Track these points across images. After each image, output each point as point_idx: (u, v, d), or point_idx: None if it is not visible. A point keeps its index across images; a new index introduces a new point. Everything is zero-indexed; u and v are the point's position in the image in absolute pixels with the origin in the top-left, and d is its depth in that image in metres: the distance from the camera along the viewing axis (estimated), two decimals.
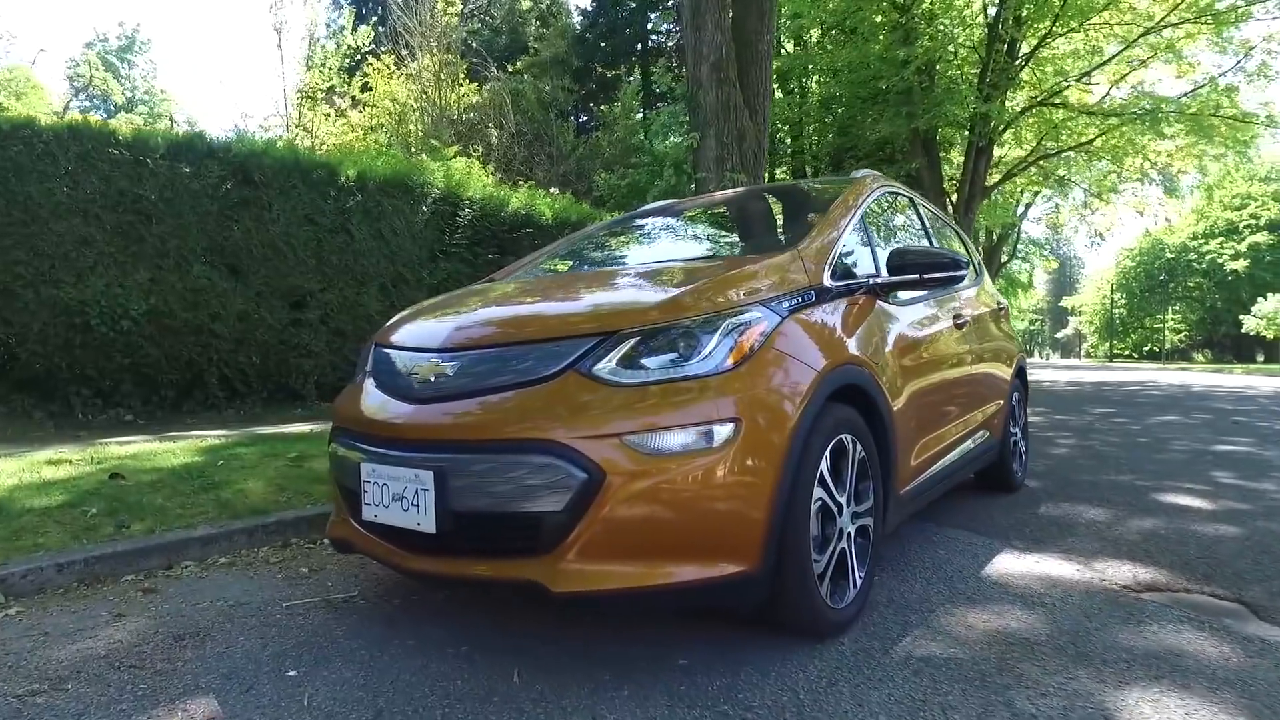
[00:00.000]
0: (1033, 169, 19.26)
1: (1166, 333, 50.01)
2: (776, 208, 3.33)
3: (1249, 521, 3.57)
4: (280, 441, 5.00)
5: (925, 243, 3.56)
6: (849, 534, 2.26)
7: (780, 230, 3.07)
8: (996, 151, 18.29)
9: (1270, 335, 41.80)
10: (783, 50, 22.11)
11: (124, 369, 6.41)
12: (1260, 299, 42.88)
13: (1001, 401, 4.03)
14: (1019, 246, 34.61)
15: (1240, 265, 44.75)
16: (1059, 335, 77.99)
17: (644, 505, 1.83)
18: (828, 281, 2.41)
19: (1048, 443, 6.50)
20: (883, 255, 2.81)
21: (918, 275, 2.70)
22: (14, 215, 5.79)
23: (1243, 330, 44.70)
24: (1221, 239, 45.99)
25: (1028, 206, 30.44)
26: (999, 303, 4.32)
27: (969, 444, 3.51)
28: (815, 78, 20.80)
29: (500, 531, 1.94)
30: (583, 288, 2.49)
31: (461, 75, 16.36)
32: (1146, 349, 52.85)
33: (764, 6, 8.89)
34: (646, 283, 2.32)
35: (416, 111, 14.77)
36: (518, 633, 2.26)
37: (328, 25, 19.31)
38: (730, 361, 1.95)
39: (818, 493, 2.08)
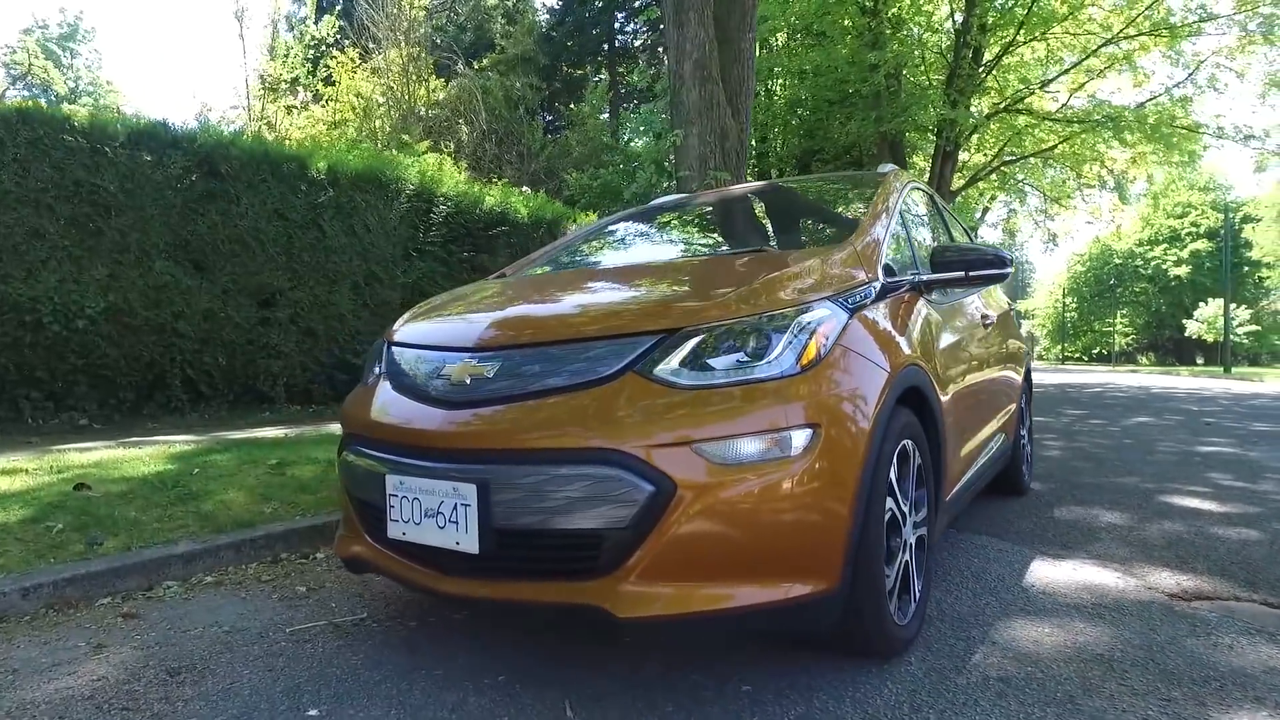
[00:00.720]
0: (994, 175, 19.58)
1: (1115, 336, 51.57)
2: (805, 202, 3.19)
3: (1266, 525, 3.54)
4: (255, 447, 4.69)
5: (947, 238, 3.46)
6: (911, 545, 2.12)
7: (825, 224, 2.93)
8: (961, 156, 18.55)
9: (1210, 339, 43.38)
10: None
11: (79, 370, 6.00)
12: (1201, 304, 44.51)
13: (1015, 403, 3.95)
14: None
15: (1182, 271, 46.37)
16: None
17: (719, 520, 1.66)
18: (883, 277, 2.27)
19: (1036, 445, 6.49)
20: (920, 252, 2.69)
21: (963, 273, 2.58)
22: None
23: (1185, 334, 46.33)
24: (1165, 246, 47.61)
25: (985, 211, 31.06)
26: (1009, 305, 4.26)
27: (993, 447, 3.42)
28: (781, 81, 20.87)
29: (553, 550, 1.75)
30: (634, 281, 2.30)
31: (428, 70, 15.97)
32: (1096, 351, 54.44)
33: (746, 5, 8.79)
34: (704, 275, 2.14)
35: (383, 107, 14.36)
36: (557, 658, 2.06)
37: (288, 18, 18.69)
38: (801, 362, 1.79)
39: (888, 503, 1.93)
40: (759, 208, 3.29)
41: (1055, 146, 17.42)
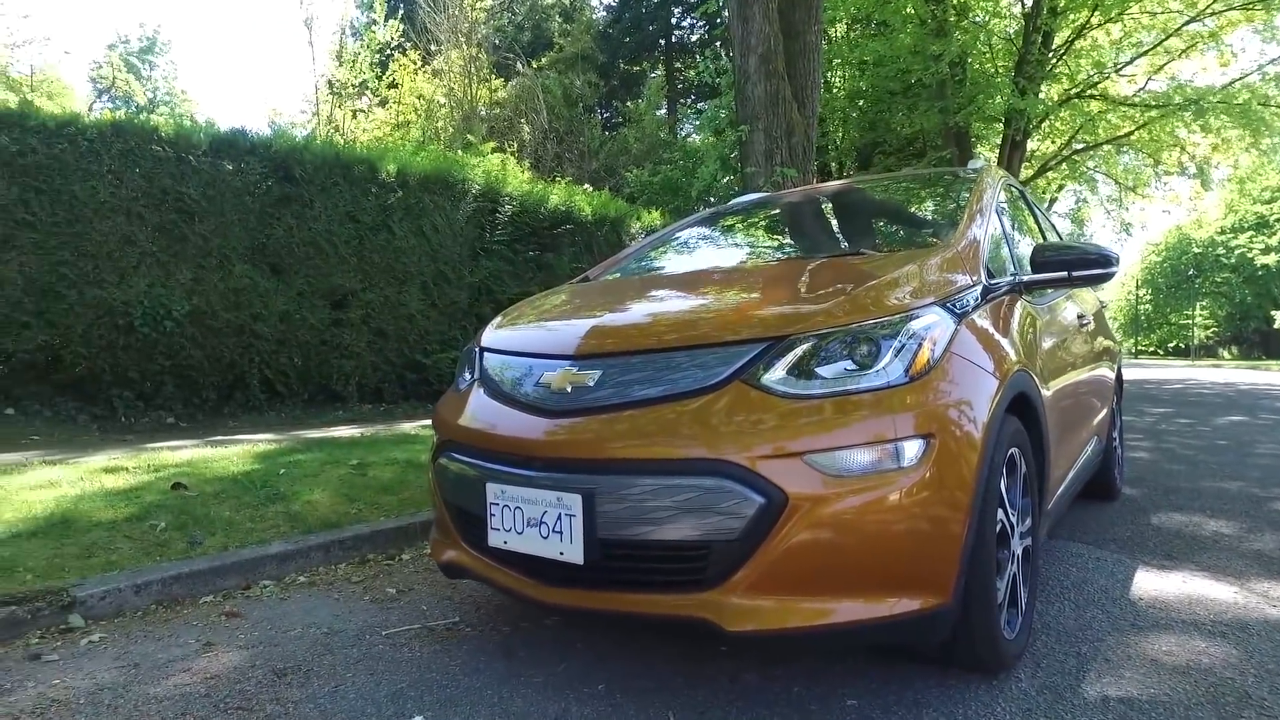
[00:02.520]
0: (1064, 163, 18.86)
1: (1194, 329, 49.22)
2: (893, 202, 3.10)
3: None
4: (335, 447, 4.82)
5: (1040, 235, 3.32)
6: (1018, 556, 2.03)
7: (923, 225, 2.84)
8: (1030, 145, 17.92)
9: None
10: None
11: (166, 371, 6.25)
12: None
13: (1109, 404, 3.79)
14: None
15: (1271, 260, 43.94)
16: None
17: (831, 533, 1.61)
18: (986, 280, 2.18)
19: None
20: (1020, 251, 2.58)
21: (1066, 273, 2.46)
22: (59, 214, 5.65)
23: (1274, 326, 43.92)
24: (1251, 233, 45.17)
25: (1052, 201, 29.98)
26: (1099, 302, 4.08)
27: (1089, 449, 3.28)
28: (841, 72, 20.48)
29: (659, 562, 1.73)
30: (735, 285, 2.26)
31: (488, 70, 16.17)
32: (1172, 345, 52.07)
33: None
34: (804, 281, 2.09)
35: (445, 107, 14.60)
36: (655, 666, 2.05)
37: (352, 24, 19.17)
38: (911, 370, 1.73)
39: (1000, 514, 1.86)
40: (847, 208, 3.21)
41: (1131, 133, 16.67)
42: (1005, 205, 3.05)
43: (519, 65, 15.95)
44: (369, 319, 7.39)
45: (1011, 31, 16.20)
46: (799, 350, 1.75)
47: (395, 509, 3.58)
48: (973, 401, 1.77)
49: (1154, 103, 16.40)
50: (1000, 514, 1.88)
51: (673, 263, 2.93)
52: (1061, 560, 3.00)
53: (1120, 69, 16.58)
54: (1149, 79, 17.27)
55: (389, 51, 13.84)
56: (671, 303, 2.22)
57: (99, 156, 5.78)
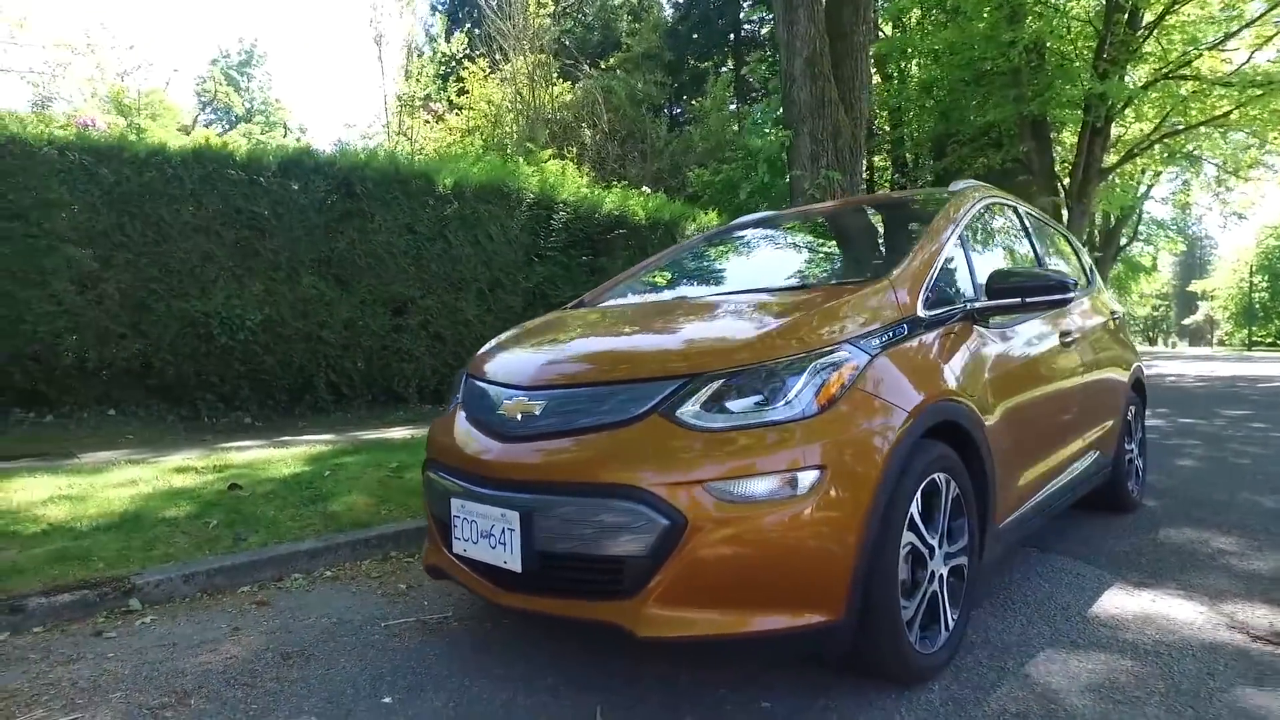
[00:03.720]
0: (1156, 147, 17.85)
1: None
2: (873, 225, 3.21)
3: None
4: (381, 450, 5.23)
5: (1032, 257, 3.35)
6: (941, 576, 2.16)
7: (876, 252, 2.96)
8: (1114, 130, 17.06)
9: None
10: (880, 34, 21.37)
11: (242, 375, 6.86)
12: None
13: (1114, 419, 3.76)
14: (1140, 228, 32.22)
15: None
16: (1186, 321, 72.15)
17: (726, 553, 1.81)
18: (921, 311, 2.31)
19: (1171, 452, 6.04)
20: (982, 277, 2.67)
21: (1020, 299, 2.55)
22: (148, 235, 6.29)
23: None
24: None
25: (1150, 186, 28.30)
26: (1113, 311, 4.04)
27: (1078, 466, 3.31)
28: (915, 61, 19.97)
29: (585, 573, 1.97)
30: (668, 322, 2.47)
31: (555, 75, 16.59)
32: None
33: None
34: (732, 318, 2.28)
35: (512, 113, 15.10)
36: (604, 666, 2.28)
37: (426, 30, 19.98)
38: (816, 405, 1.90)
39: (907, 537, 2.00)
40: (824, 234, 3.33)
41: (1229, 113, 15.63)
42: (987, 227, 3.13)
43: (584, 68, 16.27)
44: (427, 324, 7.85)
45: (1091, 12, 15.44)
46: (712, 387, 1.94)
47: (420, 510, 3.92)
48: (873, 435, 1.92)
49: (1256, 80, 15.33)
50: (912, 537, 2.02)
51: (651, 292, 3.13)
52: (1040, 574, 3.06)
53: (1219, 44, 15.55)
54: (1255, 51, 16.15)
55: (453, 63, 14.42)
56: (614, 339, 2.44)
57: (181, 181, 6.40)
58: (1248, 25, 14.98)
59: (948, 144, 18.60)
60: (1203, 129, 17.01)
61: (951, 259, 2.62)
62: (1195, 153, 19.37)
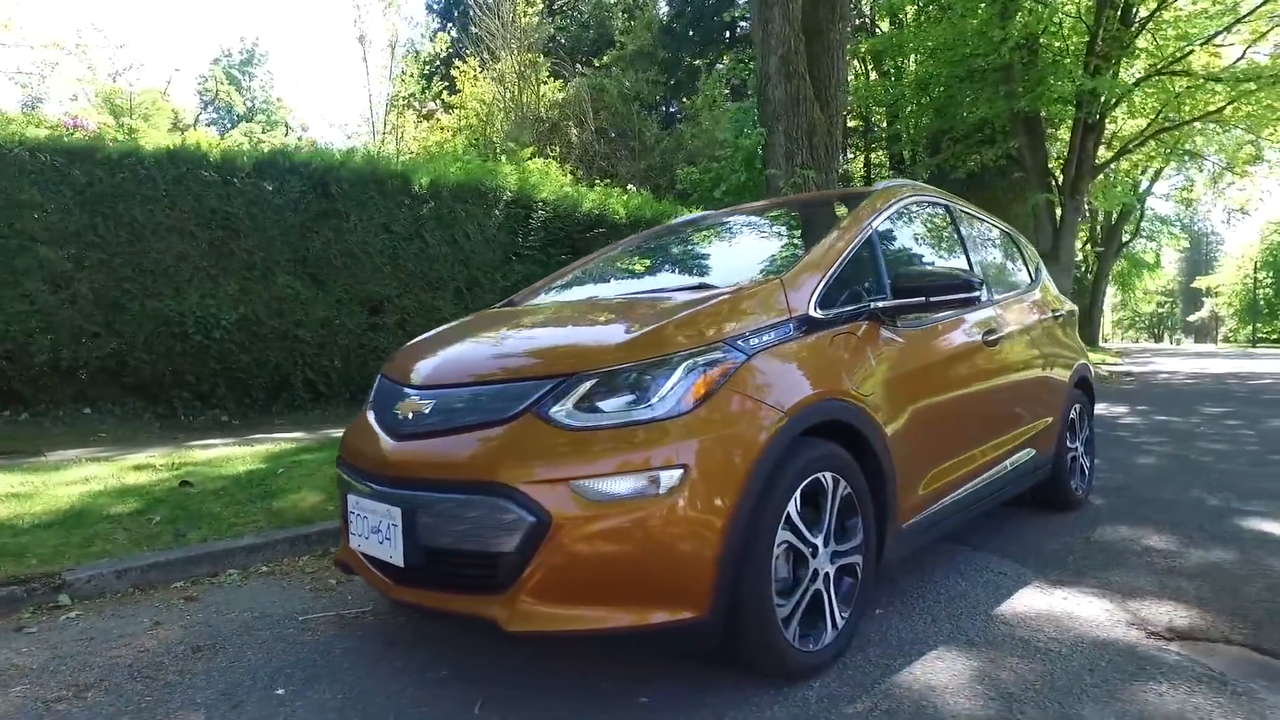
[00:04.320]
0: (1152, 143, 17.76)
1: None
2: (794, 225, 3.23)
3: None
4: None
5: (962, 256, 3.37)
6: (826, 574, 2.19)
7: (786, 252, 2.98)
8: (1110, 126, 16.98)
9: None
10: (878, 30, 21.32)
11: (218, 374, 6.93)
12: None
13: (1053, 417, 3.78)
14: (1144, 225, 32.06)
15: None
16: (1191, 318, 71.60)
17: (590, 550, 1.85)
18: (814, 311, 2.33)
19: (1136, 450, 6.04)
20: (893, 276, 2.69)
21: (924, 298, 2.58)
22: (121, 236, 6.36)
23: None
24: None
25: (1152, 182, 28.14)
26: (1055, 310, 4.04)
27: (1007, 465, 3.32)
28: (913, 58, 19.93)
29: (462, 568, 2.01)
30: (565, 322, 2.51)
31: (545, 74, 16.63)
32: None
33: None
34: (622, 319, 2.31)
35: (501, 112, 15.15)
36: (501, 661, 2.32)
37: (420, 33, 20.06)
38: (686, 404, 1.93)
39: (783, 536, 2.03)
40: (746, 234, 3.35)
41: (1222, 109, 15.54)
42: (909, 226, 3.15)
43: (574, 67, 16.29)
44: (404, 323, 7.90)
45: (1083, 8, 15.36)
46: (584, 386, 1.98)
47: None
48: (742, 433, 1.95)
49: (1250, 75, 15.23)
50: (789, 536, 2.05)
51: (571, 291, 3.17)
52: (960, 572, 3.08)
53: (1211, 39, 15.47)
54: (1248, 48, 16.06)
55: (438, 64, 14.47)
56: (505, 340, 2.47)
57: (155, 182, 6.47)
58: (1240, 20, 14.87)
59: (943, 139, 18.55)
60: (1199, 124, 16.91)
61: (858, 258, 2.64)
62: (1191, 149, 19.24)
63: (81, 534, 3.39)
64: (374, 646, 2.48)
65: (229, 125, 29.29)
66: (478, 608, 1.97)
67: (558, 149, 13.72)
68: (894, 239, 2.98)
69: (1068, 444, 3.98)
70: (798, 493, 2.07)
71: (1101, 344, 35.97)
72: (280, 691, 2.16)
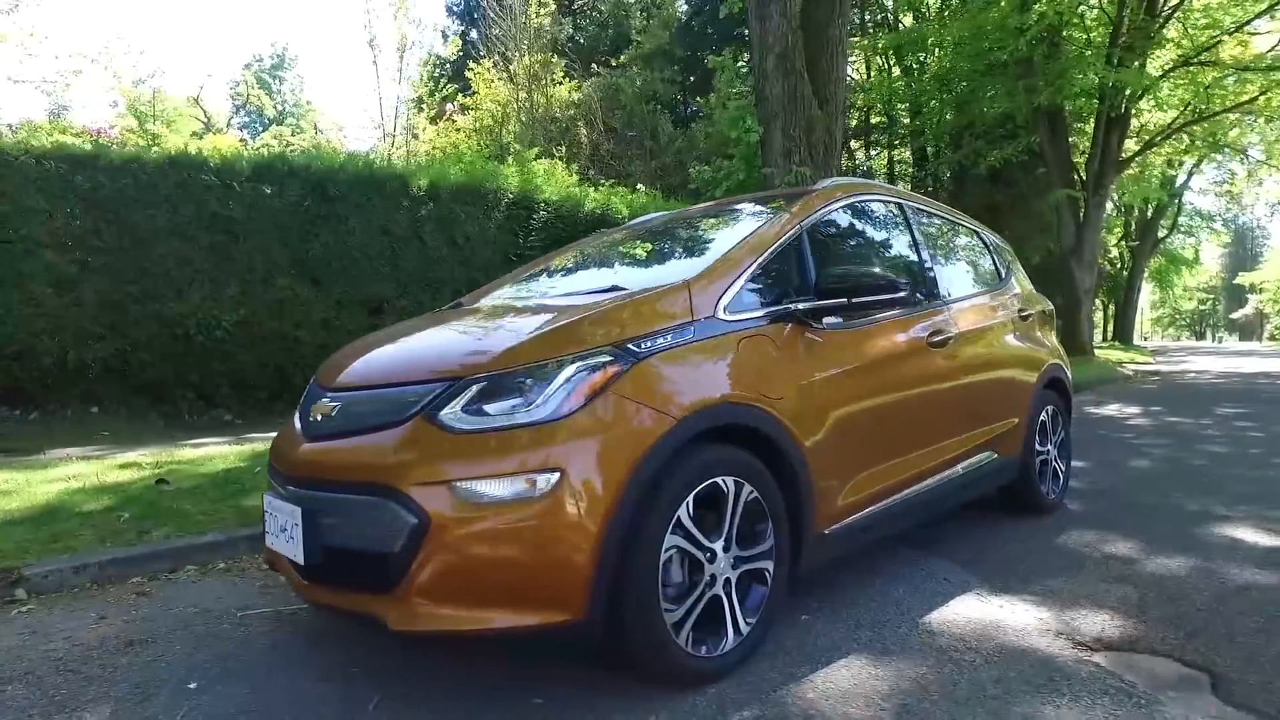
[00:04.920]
0: (1184, 135, 17.25)
1: None
2: (721, 227, 3.19)
3: None
4: None
5: (913, 255, 3.32)
6: (727, 580, 2.17)
7: (700, 256, 2.96)
8: (1136, 120, 16.53)
9: None
10: (901, 24, 21.04)
11: (221, 374, 7.10)
12: None
13: (1018, 418, 3.70)
14: (1182, 219, 31.14)
15: None
16: (1235, 316, 69.30)
17: (469, 552, 1.87)
18: (721, 314, 2.32)
19: (1133, 452, 5.89)
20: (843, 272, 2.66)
21: (845, 300, 2.55)
22: (124, 240, 6.55)
23: None
24: None
25: (1190, 175, 27.31)
26: (1023, 310, 3.96)
27: (959, 469, 3.26)
28: (935, 52, 19.62)
29: (356, 567, 2.04)
30: (472, 326, 2.53)
31: (559, 74, 16.70)
32: None
33: None
34: (521, 323, 2.32)
35: (516, 113, 15.26)
36: (408, 659, 2.35)
37: (434, 37, 20.28)
38: (567, 408, 1.94)
39: (673, 540, 2.02)
40: (678, 235, 3.31)
41: (1254, 99, 15.03)
42: (846, 228, 3.11)
43: (590, 68, 16.35)
44: None
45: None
46: (472, 390, 1.99)
47: None
48: (622, 438, 1.95)
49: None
50: (679, 540, 2.04)
51: (504, 292, 3.18)
52: (903, 577, 3.04)
53: (1241, 27, 14.94)
54: None
55: (446, 66, 14.62)
56: (411, 343, 2.49)
57: (157, 188, 6.64)
58: (1271, 8, 14.35)
59: (964, 134, 18.24)
60: (1231, 116, 16.38)
61: (782, 259, 2.62)
62: (1225, 141, 18.65)
63: (50, 530, 3.49)
64: (298, 643, 2.53)
65: (260, 129, 29.83)
66: (369, 606, 2.00)
67: (564, 149, 13.78)
68: (832, 239, 2.95)
69: (1037, 447, 3.90)
70: (690, 497, 2.06)
71: (1140, 342, 35.02)
72: (193, 685, 2.22)
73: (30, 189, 6.14)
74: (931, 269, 3.34)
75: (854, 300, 2.54)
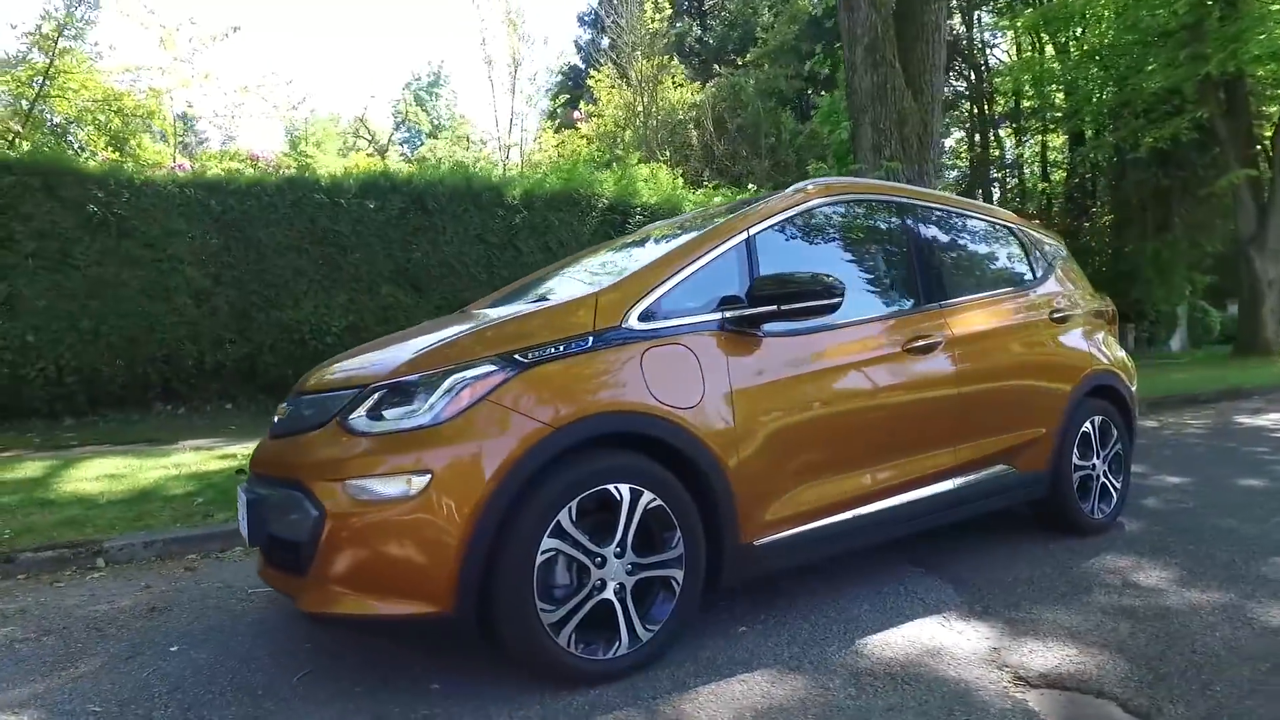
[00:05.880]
0: None
1: None
2: (685, 234, 3.15)
3: None
4: None
5: (902, 256, 3.17)
6: (621, 586, 2.21)
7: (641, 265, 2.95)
8: None
9: None
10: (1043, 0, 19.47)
11: None
12: None
13: (1046, 429, 3.42)
14: None
15: None
16: None
17: (354, 544, 2.05)
18: (634, 324, 2.36)
19: (1255, 470, 5.15)
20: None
21: (774, 307, 2.50)
22: (249, 255, 7.41)
23: None
24: None
25: None
26: (1057, 312, 3.61)
27: (952, 483, 3.07)
28: (1089, 27, 17.93)
29: (283, 553, 2.28)
30: (416, 334, 2.71)
31: (680, 76, 16.85)
32: None
33: None
34: (439, 334, 2.47)
35: (633, 118, 15.59)
36: (349, 640, 2.56)
37: (575, 47, 20.97)
38: (445, 414, 2.07)
39: (551, 543, 2.10)
40: (643, 245, 3.26)
41: None
42: (806, 233, 3.02)
43: (711, 68, 16.36)
44: None
45: None
46: (374, 397, 2.18)
47: None
48: (494, 444, 2.05)
49: None
50: (557, 544, 2.11)
51: (490, 302, 3.35)
52: (878, 594, 2.91)
53: None
54: None
55: (561, 76, 15.13)
56: (375, 348, 2.69)
57: (276, 207, 7.46)
58: None
59: (1123, 112, 16.54)
60: None
61: (717, 268, 2.60)
62: None
63: (138, 509, 4.09)
64: (277, 620, 2.83)
65: (418, 143, 32.12)
66: (290, 587, 2.24)
67: (668, 153, 13.89)
68: (795, 244, 2.88)
69: (1076, 461, 3.57)
70: (574, 502, 2.13)
71: None
72: (174, 649, 2.56)
73: (174, 213, 7.10)
74: (924, 270, 3.16)
75: (783, 308, 2.49)
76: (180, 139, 12.68)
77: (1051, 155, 23.20)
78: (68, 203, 6.66)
